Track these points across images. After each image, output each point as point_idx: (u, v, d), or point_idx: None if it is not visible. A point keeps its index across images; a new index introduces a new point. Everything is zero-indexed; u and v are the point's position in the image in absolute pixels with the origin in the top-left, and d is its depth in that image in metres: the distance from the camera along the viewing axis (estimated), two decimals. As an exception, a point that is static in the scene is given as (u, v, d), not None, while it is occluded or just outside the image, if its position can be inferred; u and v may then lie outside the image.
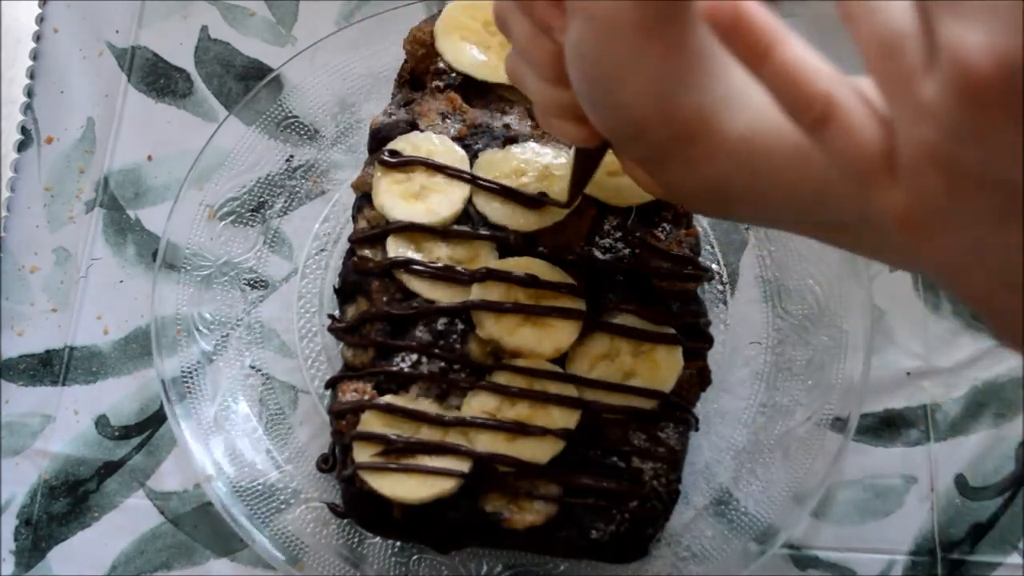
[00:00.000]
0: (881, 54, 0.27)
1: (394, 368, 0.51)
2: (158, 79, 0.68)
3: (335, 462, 0.55)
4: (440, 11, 0.57)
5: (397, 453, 0.50)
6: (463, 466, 0.49)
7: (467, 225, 0.53)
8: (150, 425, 0.62)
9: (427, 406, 0.51)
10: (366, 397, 0.51)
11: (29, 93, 0.68)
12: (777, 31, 0.28)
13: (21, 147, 0.67)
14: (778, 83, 0.29)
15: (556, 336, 0.51)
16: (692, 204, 0.42)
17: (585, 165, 0.49)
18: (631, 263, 0.53)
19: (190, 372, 0.60)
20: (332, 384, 0.54)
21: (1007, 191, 0.27)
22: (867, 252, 0.42)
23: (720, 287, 0.62)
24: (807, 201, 0.37)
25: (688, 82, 0.37)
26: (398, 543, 0.57)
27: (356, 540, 0.58)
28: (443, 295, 0.52)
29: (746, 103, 0.37)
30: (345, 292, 0.54)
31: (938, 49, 0.25)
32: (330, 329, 0.55)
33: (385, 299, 0.52)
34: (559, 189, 0.53)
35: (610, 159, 0.54)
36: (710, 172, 0.39)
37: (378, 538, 0.57)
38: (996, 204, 0.27)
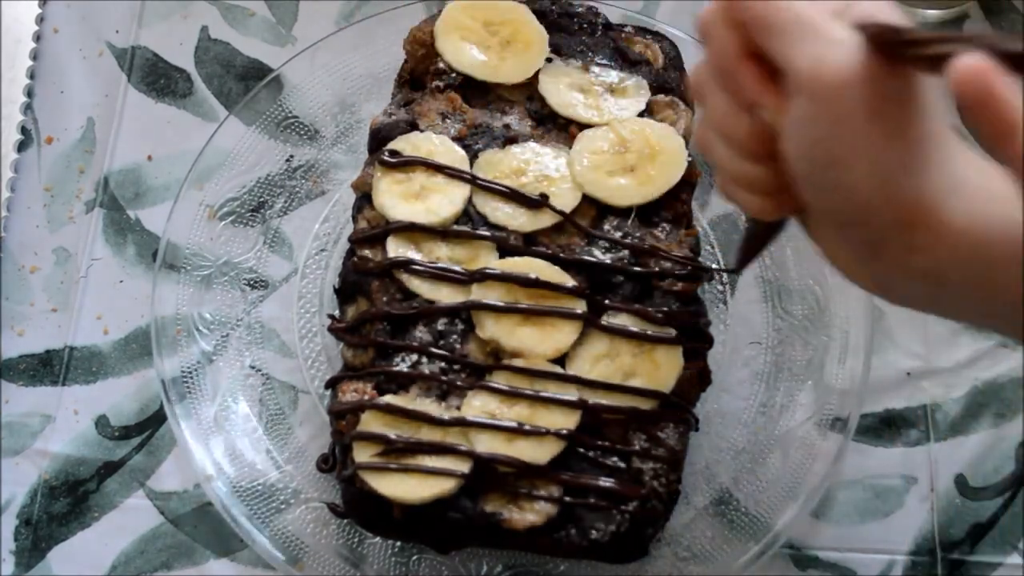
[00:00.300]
0: None
1: (394, 368, 0.51)
2: (158, 79, 0.68)
3: (335, 462, 0.55)
4: (440, 11, 0.57)
5: (397, 453, 0.50)
6: (463, 466, 0.49)
7: (467, 225, 0.53)
8: (150, 425, 0.62)
9: (427, 406, 0.51)
10: (366, 397, 0.51)
11: (29, 93, 0.68)
12: None
13: (21, 147, 0.67)
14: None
15: (556, 336, 0.51)
16: (900, 294, 0.40)
17: (762, 237, 0.48)
18: (631, 263, 0.53)
19: (190, 372, 0.60)
20: (332, 384, 0.54)
21: None
22: None
23: (720, 287, 0.62)
24: None
25: (911, 166, 0.36)
26: (398, 543, 0.57)
27: (356, 540, 0.58)
28: (443, 295, 0.52)
29: (967, 190, 0.36)
30: (345, 292, 0.54)
31: None
32: (330, 329, 0.55)
33: (385, 299, 0.52)
34: (559, 190, 0.53)
35: (608, 159, 0.54)
36: (927, 261, 0.37)
37: (378, 538, 0.57)
38: None
